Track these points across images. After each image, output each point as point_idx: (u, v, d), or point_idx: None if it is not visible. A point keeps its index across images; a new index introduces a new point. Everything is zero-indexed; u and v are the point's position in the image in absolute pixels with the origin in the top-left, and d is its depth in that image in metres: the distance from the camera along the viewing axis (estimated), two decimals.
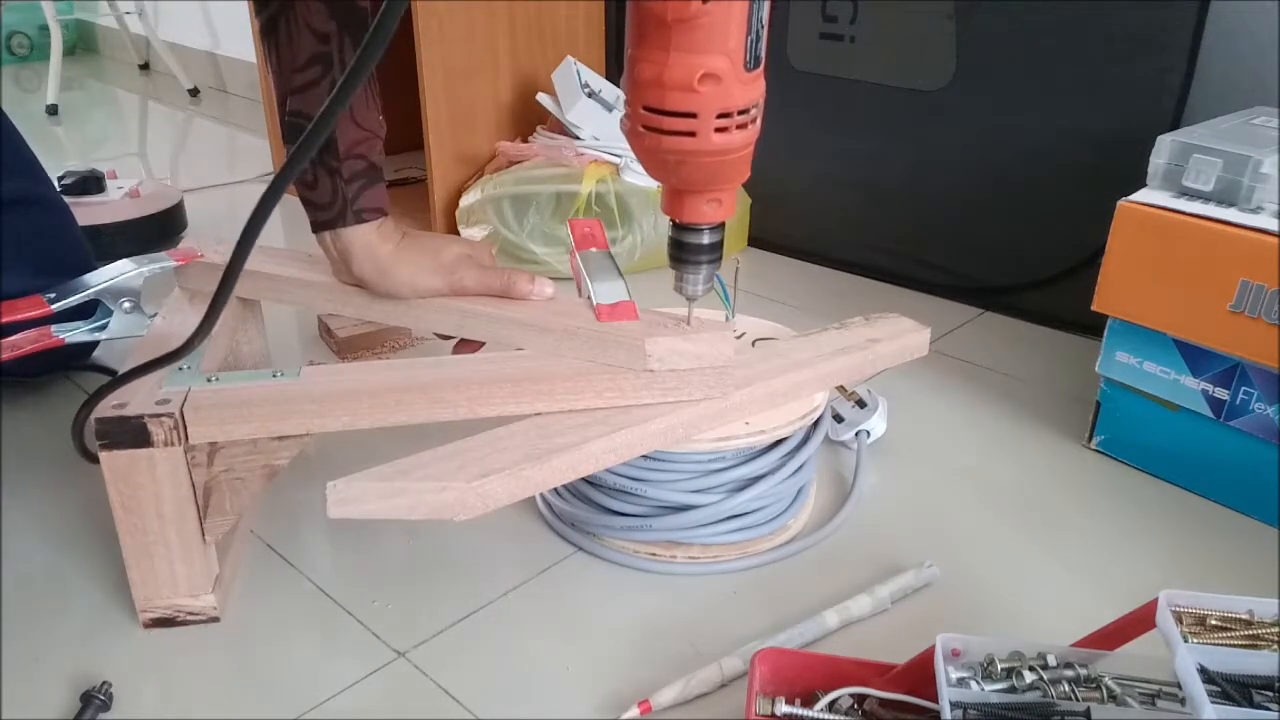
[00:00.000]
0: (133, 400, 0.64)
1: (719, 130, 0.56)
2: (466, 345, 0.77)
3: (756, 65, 0.56)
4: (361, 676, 0.66)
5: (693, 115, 0.55)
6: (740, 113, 0.56)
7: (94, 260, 0.99)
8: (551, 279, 0.76)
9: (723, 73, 0.54)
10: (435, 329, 0.76)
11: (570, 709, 0.64)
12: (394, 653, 0.68)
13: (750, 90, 0.56)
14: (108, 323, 0.78)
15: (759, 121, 0.59)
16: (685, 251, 0.65)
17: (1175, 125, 1.01)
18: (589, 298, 0.74)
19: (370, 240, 0.73)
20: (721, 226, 0.65)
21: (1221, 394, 0.81)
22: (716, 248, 0.65)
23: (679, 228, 0.65)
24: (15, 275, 0.90)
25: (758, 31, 0.55)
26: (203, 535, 0.67)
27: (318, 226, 0.74)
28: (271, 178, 0.53)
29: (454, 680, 0.66)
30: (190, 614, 0.69)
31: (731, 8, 0.53)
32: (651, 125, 0.57)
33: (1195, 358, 0.82)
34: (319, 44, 0.69)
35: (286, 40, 0.69)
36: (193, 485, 0.65)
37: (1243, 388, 0.79)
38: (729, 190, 0.62)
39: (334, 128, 0.70)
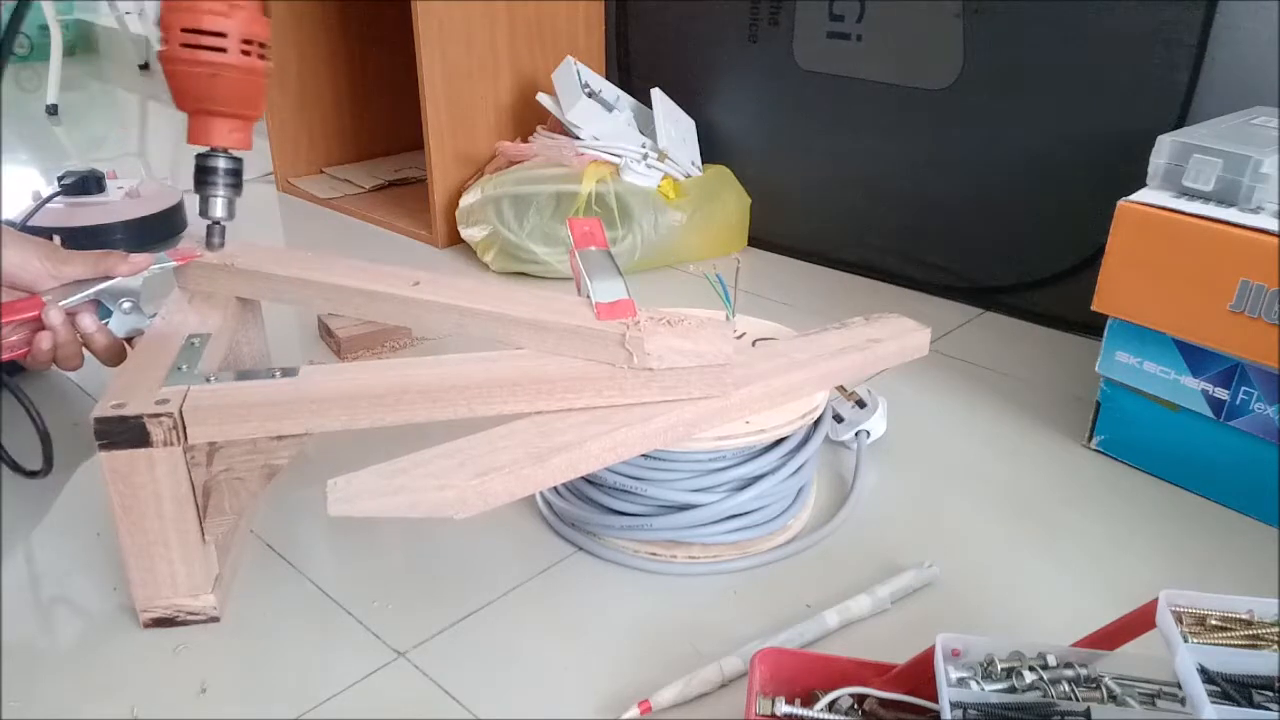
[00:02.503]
0: (132, 400, 0.64)
1: (245, 52, 0.73)
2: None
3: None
4: (361, 676, 0.66)
5: (224, 35, 0.72)
6: (259, 45, 0.74)
7: None
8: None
9: (245, 6, 0.73)
10: (437, 331, 0.76)
11: (570, 709, 0.64)
12: (394, 653, 0.68)
13: (263, 28, 0.74)
14: (108, 323, 0.78)
15: (268, 59, 0.76)
16: (208, 175, 0.77)
17: (1180, 125, 1.01)
18: (588, 296, 0.74)
19: None
20: (239, 160, 0.78)
21: (1221, 394, 0.81)
22: (234, 174, 0.78)
23: (203, 155, 0.77)
24: None
25: None
26: (202, 535, 0.67)
27: None
28: None
29: (454, 680, 0.66)
30: (190, 614, 0.69)
31: None
32: (191, 43, 0.72)
33: (1195, 358, 0.82)
34: None
35: None
36: (192, 485, 0.65)
37: (1243, 388, 0.79)
38: (246, 119, 0.77)
39: None
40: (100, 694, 0.64)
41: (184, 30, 0.72)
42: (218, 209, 0.78)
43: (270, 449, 0.67)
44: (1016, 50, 1.12)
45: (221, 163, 0.77)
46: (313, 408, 0.66)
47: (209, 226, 0.80)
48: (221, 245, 0.81)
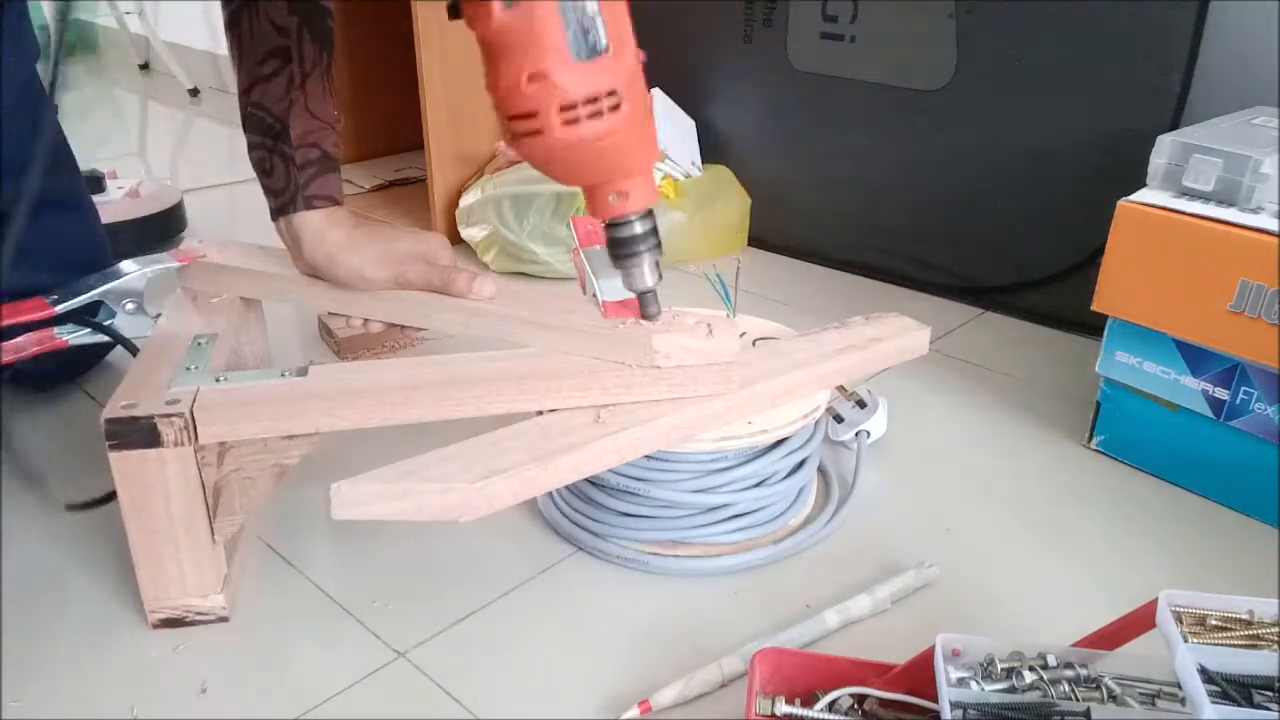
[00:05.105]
0: (142, 400, 0.64)
1: (567, 123, 0.56)
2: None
3: (594, 54, 0.56)
4: (361, 676, 0.66)
5: (533, 114, 0.56)
6: (587, 102, 0.56)
7: (110, 259, 0.97)
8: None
9: (549, 70, 0.55)
10: (443, 328, 0.77)
11: (570, 709, 0.64)
12: (394, 653, 0.68)
13: (592, 80, 0.56)
14: (111, 325, 0.78)
15: (624, 107, 0.57)
16: (619, 246, 0.64)
17: (1175, 125, 1.01)
18: (594, 295, 0.74)
19: (320, 227, 0.75)
20: (650, 214, 0.64)
21: (1221, 394, 0.81)
22: (650, 235, 0.64)
23: (609, 225, 0.64)
24: (35, 271, 0.88)
25: (580, 24, 0.55)
26: (212, 535, 0.67)
27: (274, 213, 0.76)
28: None
29: (454, 680, 0.66)
30: (199, 614, 0.69)
31: (533, 10, 0.53)
32: (514, 131, 0.58)
33: (1195, 358, 0.82)
34: (279, 37, 0.70)
35: (249, 33, 0.71)
36: (203, 485, 0.65)
37: (1243, 388, 0.80)
38: (627, 180, 0.61)
39: (289, 118, 0.73)
40: (100, 694, 0.65)
41: (507, 120, 0.58)
42: (645, 279, 0.66)
43: (281, 448, 0.67)
44: (1010, 50, 1.12)
45: (637, 227, 0.63)
46: (322, 407, 0.66)
47: (642, 296, 0.68)
48: (659, 313, 0.69)
